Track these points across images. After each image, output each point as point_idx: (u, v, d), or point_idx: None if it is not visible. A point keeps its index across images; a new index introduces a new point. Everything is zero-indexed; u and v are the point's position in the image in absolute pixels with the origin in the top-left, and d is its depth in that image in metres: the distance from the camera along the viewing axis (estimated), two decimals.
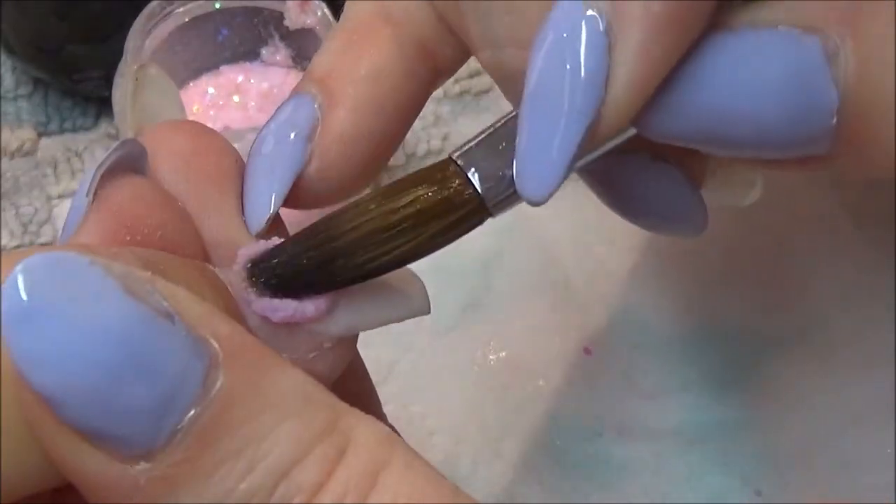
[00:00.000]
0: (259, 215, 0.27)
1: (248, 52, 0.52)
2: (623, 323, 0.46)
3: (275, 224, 0.27)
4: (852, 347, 0.45)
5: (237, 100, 0.52)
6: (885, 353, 0.45)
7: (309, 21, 0.49)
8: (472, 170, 0.26)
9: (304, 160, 0.28)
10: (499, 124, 0.27)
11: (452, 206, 0.26)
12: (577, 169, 0.26)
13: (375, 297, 0.26)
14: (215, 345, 0.21)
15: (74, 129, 0.54)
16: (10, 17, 0.51)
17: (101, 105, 0.54)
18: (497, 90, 0.55)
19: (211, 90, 0.52)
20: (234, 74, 0.52)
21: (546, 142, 0.25)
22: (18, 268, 0.20)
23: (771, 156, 0.26)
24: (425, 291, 0.27)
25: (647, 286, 0.46)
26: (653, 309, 0.46)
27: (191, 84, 0.52)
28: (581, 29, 0.24)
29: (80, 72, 0.53)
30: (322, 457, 0.21)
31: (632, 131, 0.26)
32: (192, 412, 0.20)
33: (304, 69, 0.51)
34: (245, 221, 0.27)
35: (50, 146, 0.54)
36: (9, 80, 0.55)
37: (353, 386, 0.28)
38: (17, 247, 0.50)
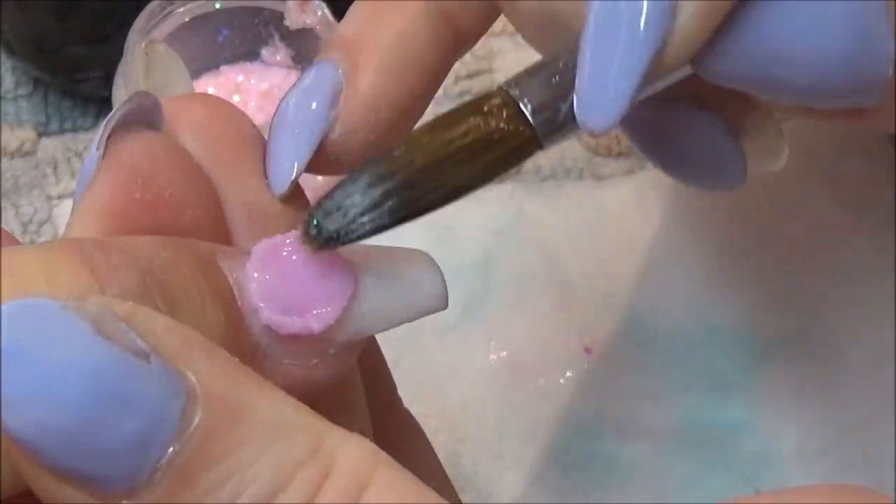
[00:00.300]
0: (283, 178, 0.27)
1: (248, 52, 0.52)
2: (624, 323, 0.46)
3: (296, 190, 0.27)
4: (852, 347, 0.45)
5: (237, 100, 0.52)
6: (886, 354, 0.45)
7: (309, 21, 0.49)
8: (524, 100, 0.26)
9: (328, 124, 0.28)
10: (546, 61, 0.27)
11: (505, 137, 0.26)
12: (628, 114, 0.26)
13: (388, 298, 0.26)
14: (193, 379, 0.21)
15: (74, 129, 0.54)
16: (10, 17, 0.51)
17: (101, 105, 0.54)
18: None
19: (211, 90, 0.52)
20: (234, 74, 0.52)
21: (609, 71, 0.25)
22: None
23: (823, 104, 0.26)
24: (441, 282, 0.27)
25: (647, 286, 0.46)
26: (654, 309, 0.46)
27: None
28: None
29: (80, 72, 0.53)
30: (306, 481, 0.21)
31: (688, 70, 0.26)
32: (171, 449, 0.20)
33: (304, 69, 0.51)
34: (268, 184, 0.27)
35: (50, 146, 0.54)
36: (9, 80, 0.55)
37: (368, 363, 0.28)
38: None
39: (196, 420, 0.20)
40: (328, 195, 0.26)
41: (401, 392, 0.44)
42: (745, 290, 0.46)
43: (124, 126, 0.25)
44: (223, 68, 0.52)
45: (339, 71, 0.28)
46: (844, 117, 0.27)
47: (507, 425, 0.44)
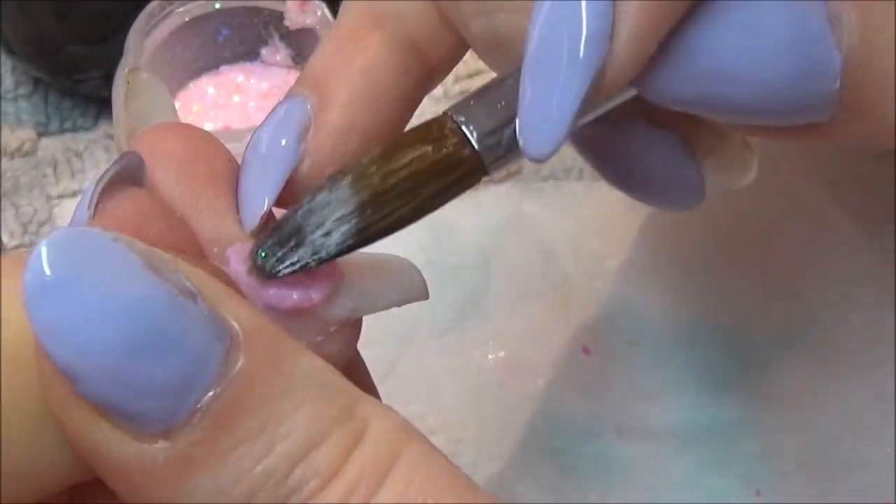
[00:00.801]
0: (253, 213, 0.27)
1: (248, 52, 0.52)
2: (622, 323, 0.46)
3: (268, 221, 0.27)
4: (852, 347, 0.45)
5: (237, 100, 0.52)
6: (885, 354, 0.45)
7: (309, 21, 0.49)
8: (470, 126, 0.26)
9: (298, 158, 0.28)
10: (494, 84, 0.27)
11: (450, 165, 0.26)
12: (575, 136, 0.26)
13: (376, 282, 0.27)
14: (236, 326, 0.21)
15: (74, 129, 0.54)
16: (10, 17, 0.51)
17: (101, 105, 0.54)
18: None
19: (211, 90, 0.52)
20: (234, 74, 0.52)
21: (549, 96, 0.25)
22: (43, 242, 0.20)
23: (772, 122, 0.26)
24: (423, 279, 0.28)
25: (646, 286, 0.46)
26: (652, 309, 0.46)
27: (191, 84, 0.52)
28: None
29: (80, 72, 0.53)
30: (339, 442, 0.21)
31: (632, 93, 0.26)
32: (212, 392, 0.20)
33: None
34: (239, 219, 0.27)
35: (50, 146, 0.54)
36: (9, 80, 0.55)
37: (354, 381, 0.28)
38: (17, 247, 0.50)
39: (238, 365, 0.21)
40: (278, 226, 0.26)
41: (399, 392, 0.44)
42: (745, 290, 0.46)
43: (111, 184, 0.25)
44: (223, 68, 0.52)
45: (308, 106, 0.28)
46: (798, 135, 0.26)
47: (506, 425, 0.44)
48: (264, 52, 0.52)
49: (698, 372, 0.45)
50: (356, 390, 0.22)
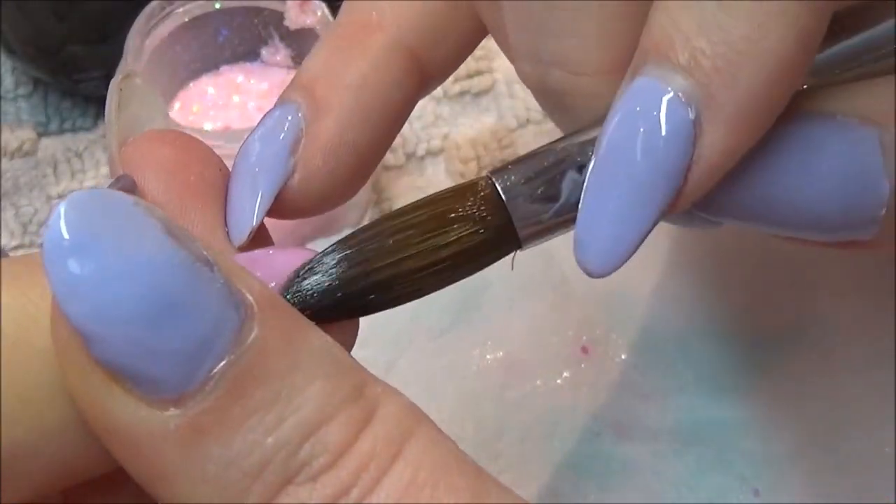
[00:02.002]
0: (242, 227, 0.27)
1: (248, 52, 0.52)
2: (621, 323, 0.46)
3: (258, 234, 0.27)
4: (852, 347, 0.45)
5: (237, 100, 0.52)
6: (885, 353, 0.45)
7: (309, 21, 0.49)
8: (513, 203, 0.26)
9: (288, 171, 0.28)
10: (542, 152, 0.26)
11: (492, 247, 0.26)
12: None
13: None
14: (250, 297, 0.21)
15: (74, 130, 0.54)
16: (10, 17, 0.51)
17: (101, 105, 0.54)
18: (497, 90, 0.55)
19: (211, 90, 0.52)
20: (234, 74, 0.52)
21: (617, 213, 0.24)
22: (63, 202, 0.20)
23: (816, 238, 0.26)
24: None
25: (645, 286, 0.46)
26: (651, 308, 0.46)
27: (191, 84, 0.52)
28: (663, 110, 0.23)
29: (80, 72, 0.53)
30: (350, 419, 0.21)
31: None
32: (226, 360, 0.20)
33: None
34: (228, 233, 0.27)
35: (50, 146, 0.54)
36: (9, 80, 0.55)
37: None
38: (17, 247, 0.50)
39: (252, 335, 0.21)
40: (299, 280, 0.25)
41: None
42: (744, 290, 0.46)
43: None
44: (223, 68, 0.52)
45: (300, 114, 0.28)
46: (842, 246, 0.27)
47: (505, 425, 0.43)
48: (264, 52, 0.52)
49: (697, 372, 0.45)
50: (366, 372, 0.22)
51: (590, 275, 0.25)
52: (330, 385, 0.21)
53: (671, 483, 0.43)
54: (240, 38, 0.52)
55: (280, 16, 0.50)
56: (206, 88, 0.52)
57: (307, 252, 0.25)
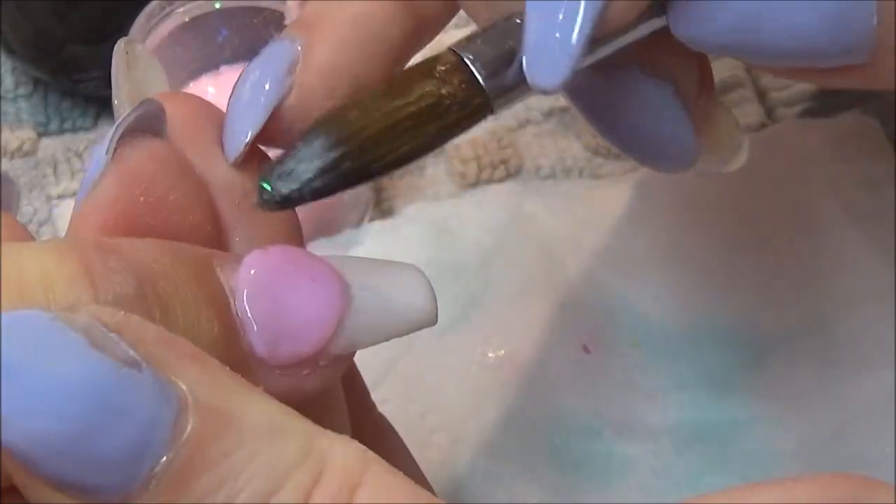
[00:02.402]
0: (236, 144, 0.27)
1: (248, 52, 0.52)
2: (622, 322, 0.46)
3: (256, 157, 0.27)
4: (852, 347, 0.45)
5: None
6: (885, 353, 0.45)
7: None
8: (477, 64, 0.26)
9: (283, 91, 0.28)
10: (499, 22, 0.27)
11: (457, 103, 0.26)
12: (569, 85, 0.26)
13: (377, 313, 0.26)
14: (184, 387, 0.21)
15: (74, 129, 0.54)
16: (10, 17, 0.51)
17: (101, 105, 0.54)
18: None
19: (211, 90, 0.52)
20: (234, 74, 0.52)
21: (556, 28, 0.25)
22: None
23: (810, 64, 0.26)
24: (431, 298, 0.27)
25: (646, 285, 0.46)
26: (652, 308, 0.46)
27: (191, 84, 0.52)
28: None
29: (80, 72, 0.53)
30: (299, 484, 0.21)
31: (639, 34, 0.27)
32: (165, 457, 0.20)
33: None
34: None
35: (50, 146, 0.54)
36: (9, 80, 0.55)
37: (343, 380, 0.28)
38: None
39: (189, 427, 0.21)
40: (280, 159, 0.26)
41: (399, 391, 0.44)
42: (745, 290, 0.46)
43: (131, 132, 0.25)
44: (223, 68, 0.52)
45: (297, 46, 0.28)
46: (840, 77, 0.27)
47: (505, 424, 0.43)
48: None
49: (699, 370, 0.45)
50: (311, 427, 0.22)
51: (542, 91, 0.26)
52: (274, 456, 0.21)
53: (672, 482, 0.43)
54: (240, 38, 0.52)
55: (280, 16, 0.50)
56: (206, 88, 0.52)
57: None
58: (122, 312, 0.21)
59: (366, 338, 0.26)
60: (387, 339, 0.26)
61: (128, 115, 0.25)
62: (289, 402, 0.23)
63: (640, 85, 0.31)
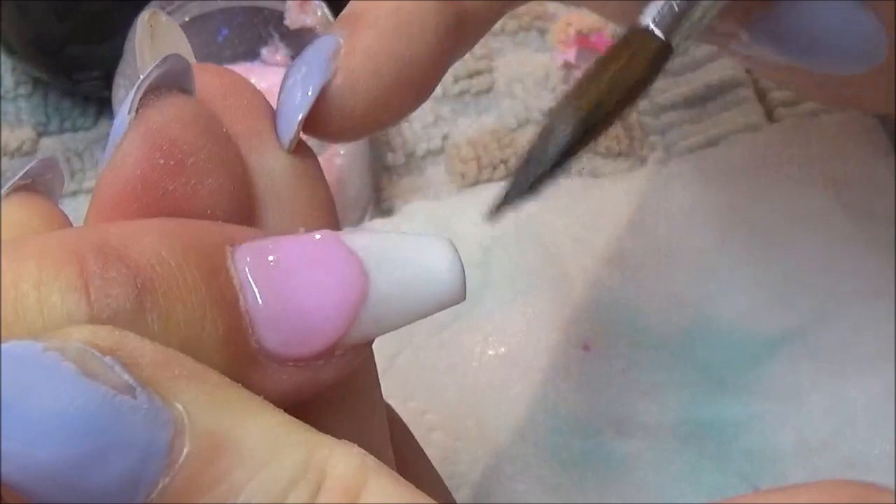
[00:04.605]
0: (288, 128, 0.27)
1: (248, 52, 0.52)
2: (622, 320, 0.46)
3: (310, 162, 0.27)
4: (851, 345, 0.45)
5: None
6: (885, 353, 0.45)
7: (309, 21, 0.49)
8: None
9: (330, 72, 0.28)
10: None
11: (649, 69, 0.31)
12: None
13: (398, 297, 0.24)
14: (180, 408, 0.21)
15: (74, 129, 0.54)
16: (10, 17, 0.51)
17: (101, 105, 0.54)
18: (497, 90, 0.55)
19: None
20: None
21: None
22: None
23: (822, 69, 0.34)
24: (459, 272, 0.25)
25: (646, 283, 0.46)
26: (652, 306, 0.46)
27: None
28: None
29: (80, 72, 0.53)
30: (300, 497, 0.21)
31: None
32: (161, 484, 0.20)
33: None
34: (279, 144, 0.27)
35: (50, 146, 0.54)
36: (9, 80, 0.55)
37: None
38: None
39: (185, 451, 0.20)
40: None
41: (398, 389, 0.44)
42: (745, 289, 0.46)
43: (156, 89, 0.24)
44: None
45: (339, 38, 0.29)
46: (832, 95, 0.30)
47: (505, 422, 0.43)
48: (264, 51, 0.52)
49: (698, 369, 0.45)
50: (311, 436, 0.22)
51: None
52: (273, 472, 0.21)
53: (671, 480, 0.43)
54: (240, 37, 0.52)
55: (280, 15, 0.50)
56: None
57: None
58: (118, 332, 0.21)
59: (384, 326, 0.24)
60: (409, 323, 0.25)
61: (150, 70, 0.24)
62: (303, 393, 0.23)
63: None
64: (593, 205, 0.48)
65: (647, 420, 0.44)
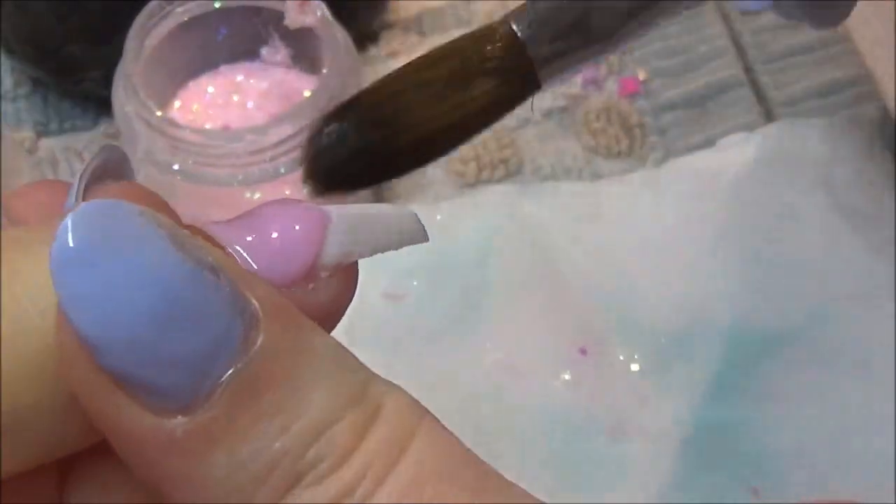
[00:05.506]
0: None
1: (247, 52, 0.52)
2: (619, 323, 0.46)
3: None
4: (851, 347, 0.45)
5: (237, 99, 0.52)
6: (885, 353, 0.45)
7: (308, 21, 0.49)
8: (532, 47, 0.27)
9: None
10: None
11: (516, 98, 0.28)
12: None
13: (367, 225, 0.26)
14: (255, 304, 0.21)
15: (74, 129, 0.54)
16: (9, 18, 0.51)
17: (100, 105, 0.54)
18: None
19: (211, 89, 0.52)
20: (234, 74, 0.52)
21: None
22: (70, 214, 0.20)
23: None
24: (420, 224, 0.27)
25: (644, 286, 0.46)
26: (649, 309, 0.46)
27: (190, 83, 0.52)
28: None
29: (80, 72, 0.53)
30: (354, 422, 0.21)
31: None
32: (233, 369, 0.20)
33: (303, 69, 0.52)
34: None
35: (50, 146, 0.54)
36: (8, 81, 0.55)
37: None
38: None
39: (258, 342, 0.21)
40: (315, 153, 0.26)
41: None
42: (743, 290, 0.46)
43: (97, 179, 0.25)
44: (223, 68, 0.52)
45: None
46: None
47: (503, 426, 0.44)
48: (264, 51, 0.52)
49: (696, 372, 0.45)
50: (369, 370, 0.22)
51: None
52: (334, 388, 0.21)
53: (670, 483, 0.43)
54: (239, 37, 0.52)
55: (280, 15, 0.50)
56: (206, 88, 0.52)
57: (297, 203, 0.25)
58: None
59: (353, 249, 0.25)
60: (379, 251, 0.26)
61: (88, 163, 0.25)
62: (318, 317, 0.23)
63: None
64: (592, 207, 0.48)
65: (645, 423, 0.44)
